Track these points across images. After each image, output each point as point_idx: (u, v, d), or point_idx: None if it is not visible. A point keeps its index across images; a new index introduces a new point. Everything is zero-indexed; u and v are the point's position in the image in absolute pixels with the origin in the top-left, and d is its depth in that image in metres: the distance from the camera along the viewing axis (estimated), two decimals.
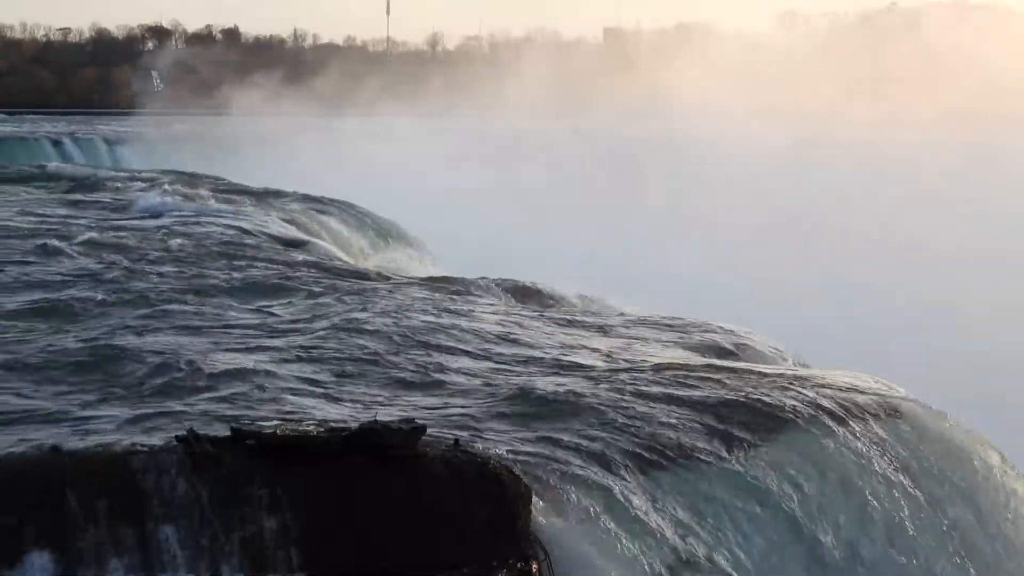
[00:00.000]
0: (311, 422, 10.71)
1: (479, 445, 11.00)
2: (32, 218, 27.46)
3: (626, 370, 14.68)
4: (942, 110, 76.53)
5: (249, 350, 14.56)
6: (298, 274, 20.71)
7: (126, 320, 16.25)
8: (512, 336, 16.54)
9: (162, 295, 17.97)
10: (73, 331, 15.43)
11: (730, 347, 17.10)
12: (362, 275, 21.34)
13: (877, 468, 13.16)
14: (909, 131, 75.35)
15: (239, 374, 13.41)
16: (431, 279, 21.95)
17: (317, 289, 19.23)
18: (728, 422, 12.85)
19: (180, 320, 16.40)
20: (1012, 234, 55.36)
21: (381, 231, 32.32)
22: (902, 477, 13.31)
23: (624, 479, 11.43)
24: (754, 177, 65.40)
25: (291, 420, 10.94)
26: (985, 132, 74.07)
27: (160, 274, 19.74)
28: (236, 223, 27.13)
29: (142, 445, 10.30)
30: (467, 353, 15.24)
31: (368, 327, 16.08)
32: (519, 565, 9.99)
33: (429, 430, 10.49)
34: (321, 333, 15.68)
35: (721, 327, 18.06)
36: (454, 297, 19.38)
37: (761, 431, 12.85)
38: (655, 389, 13.68)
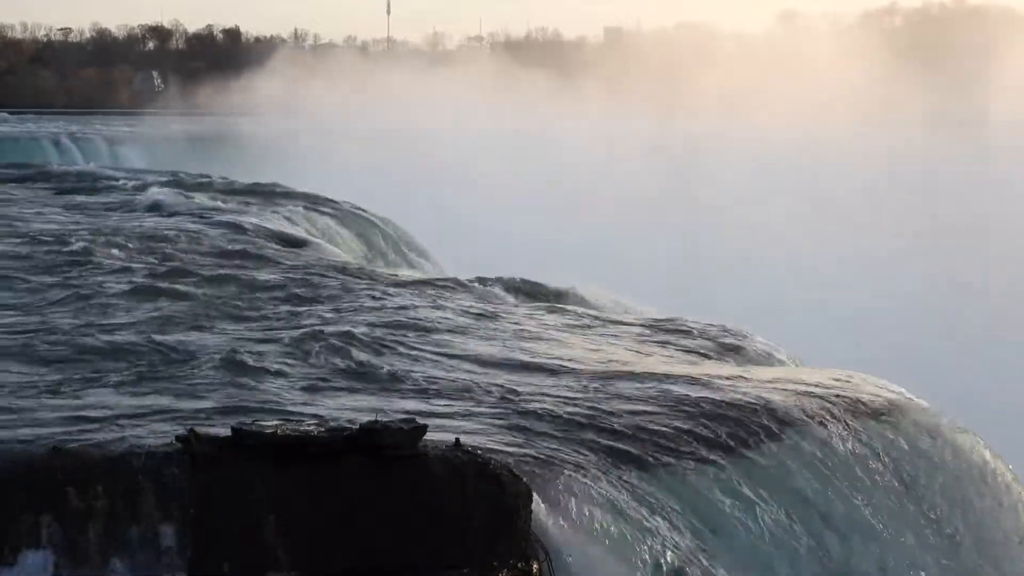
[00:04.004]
0: (311, 422, 10.71)
1: (479, 445, 11.00)
2: (32, 218, 27.46)
3: (626, 370, 14.69)
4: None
5: (250, 349, 14.55)
6: (299, 274, 20.70)
7: (126, 320, 16.26)
8: (512, 336, 16.54)
9: (162, 294, 17.97)
10: (72, 330, 15.44)
11: (729, 347, 17.11)
12: (363, 275, 21.34)
13: (875, 468, 13.18)
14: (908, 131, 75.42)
15: (239, 374, 13.42)
16: (433, 280, 21.94)
17: (318, 288, 19.22)
18: (728, 423, 12.86)
19: (180, 319, 16.41)
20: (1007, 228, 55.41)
21: (381, 231, 32.31)
22: (900, 477, 13.33)
23: (624, 479, 11.44)
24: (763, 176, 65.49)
25: (291, 420, 10.95)
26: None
27: (160, 273, 19.74)
28: (237, 222, 27.11)
29: (142, 445, 10.31)
30: (468, 353, 15.24)
31: (370, 327, 16.09)
32: (519, 565, 10.00)
33: (429, 430, 10.49)
34: (322, 333, 15.68)
35: (720, 327, 18.07)
36: (456, 297, 19.39)
37: (761, 432, 12.86)
38: (655, 390, 13.69)
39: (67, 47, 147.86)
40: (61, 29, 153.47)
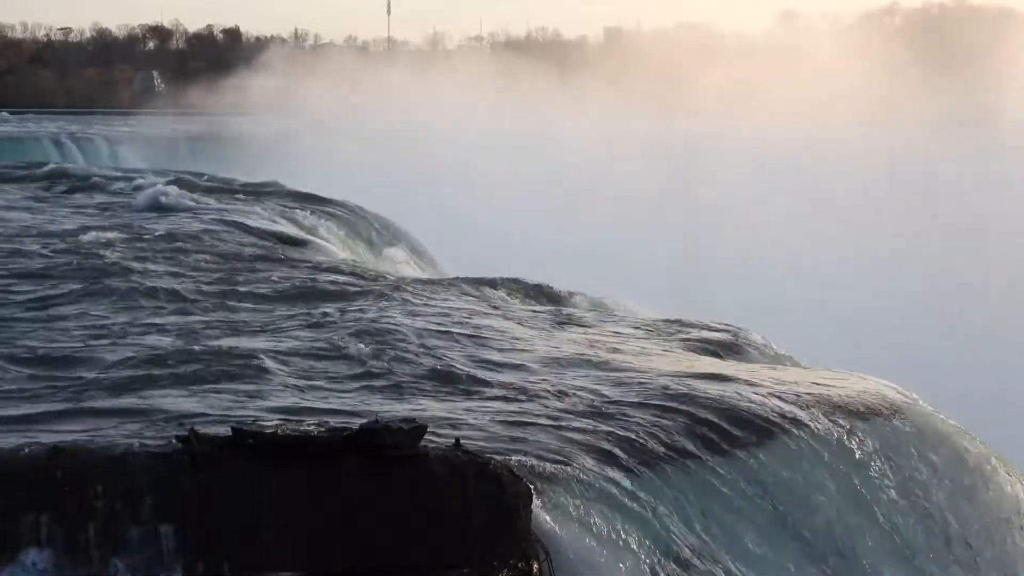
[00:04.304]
0: (311, 422, 10.70)
1: (479, 445, 11.00)
2: (33, 218, 27.46)
3: (627, 371, 14.69)
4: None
5: (249, 349, 14.55)
6: (299, 273, 20.71)
7: (126, 319, 16.27)
8: (513, 337, 16.55)
9: (161, 294, 17.98)
10: (73, 330, 15.44)
11: (730, 347, 17.12)
12: (362, 275, 21.33)
13: (875, 469, 13.18)
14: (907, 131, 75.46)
15: (239, 373, 13.42)
16: (434, 280, 21.94)
17: (317, 288, 19.23)
18: (729, 423, 12.86)
19: (180, 319, 16.42)
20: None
21: (379, 231, 32.31)
22: (901, 477, 13.33)
23: (625, 479, 11.43)
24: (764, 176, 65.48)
25: (291, 420, 10.94)
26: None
27: (159, 273, 19.75)
28: (237, 222, 27.12)
29: (142, 445, 10.30)
30: (468, 353, 15.24)
31: (369, 327, 16.09)
32: (519, 565, 9.99)
33: (430, 430, 10.48)
34: (321, 332, 15.69)
35: (721, 327, 18.07)
36: (457, 297, 19.38)
37: (762, 432, 12.87)
38: (656, 390, 13.69)
39: (67, 47, 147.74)
40: (61, 29, 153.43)
